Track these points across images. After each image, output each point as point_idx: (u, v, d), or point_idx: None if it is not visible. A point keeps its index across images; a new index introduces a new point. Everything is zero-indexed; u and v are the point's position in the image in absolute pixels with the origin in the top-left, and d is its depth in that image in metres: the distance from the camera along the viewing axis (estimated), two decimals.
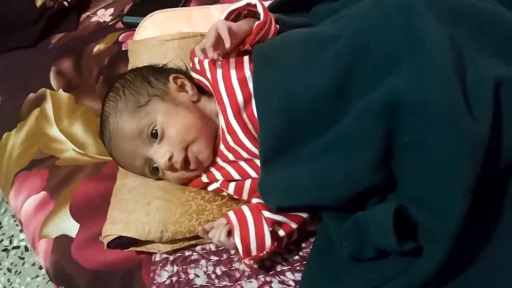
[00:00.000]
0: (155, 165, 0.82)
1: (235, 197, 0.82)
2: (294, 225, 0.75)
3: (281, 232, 0.75)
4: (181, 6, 1.20)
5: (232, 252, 0.81)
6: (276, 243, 0.74)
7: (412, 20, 0.69)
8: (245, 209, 0.75)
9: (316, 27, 0.84)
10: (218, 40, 0.75)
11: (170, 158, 0.79)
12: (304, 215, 0.75)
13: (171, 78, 0.87)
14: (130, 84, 0.85)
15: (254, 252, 0.74)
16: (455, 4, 0.74)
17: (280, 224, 0.75)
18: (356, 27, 0.74)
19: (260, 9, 0.80)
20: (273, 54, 0.77)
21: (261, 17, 0.79)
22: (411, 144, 0.65)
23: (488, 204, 0.67)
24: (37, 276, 1.44)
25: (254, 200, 0.77)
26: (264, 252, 0.74)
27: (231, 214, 0.75)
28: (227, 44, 0.75)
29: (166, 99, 0.83)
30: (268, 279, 0.78)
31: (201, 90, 0.87)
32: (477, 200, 0.62)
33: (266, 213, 0.74)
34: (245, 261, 0.74)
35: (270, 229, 0.73)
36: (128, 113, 0.81)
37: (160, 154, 0.80)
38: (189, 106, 0.84)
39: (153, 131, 0.80)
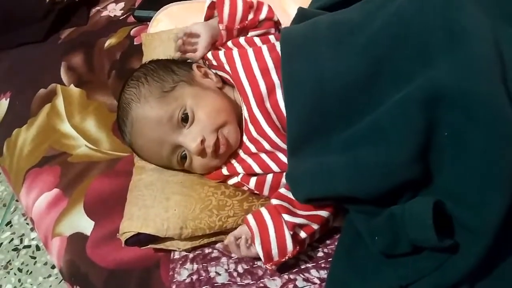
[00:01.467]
0: (184, 152, 0.79)
1: (255, 192, 0.80)
2: (315, 226, 0.74)
3: (303, 234, 0.73)
4: None
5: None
6: (298, 246, 0.73)
7: (451, 9, 0.67)
8: (265, 212, 0.73)
9: (341, 13, 0.81)
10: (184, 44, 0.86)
11: (202, 142, 0.76)
12: (325, 214, 0.73)
13: (194, 66, 0.85)
14: (153, 72, 0.83)
15: (276, 257, 0.72)
16: None
17: (301, 226, 0.73)
18: (391, 14, 0.71)
19: None
20: (301, 40, 0.76)
21: None
22: (451, 138, 0.63)
23: None
24: (49, 276, 1.42)
25: (274, 202, 0.74)
26: (287, 257, 0.72)
27: (251, 219, 0.73)
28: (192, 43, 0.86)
29: (193, 84, 0.82)
30: (292, 276, 0.75)
31: (223, 81, 0.86)
32: None
33: (286, 217, 0.72)
34: (267, 266, 0.72)
35: (291, 232, 0.72)
36: (154, 98, 0.78)
37: (191, 137, 0.77)
38: (216, 90, 0.83)
39: (183, 115, 0.77)
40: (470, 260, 0.61)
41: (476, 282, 0.64)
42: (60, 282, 1.39)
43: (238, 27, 0.87)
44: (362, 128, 0.68)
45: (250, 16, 0.88)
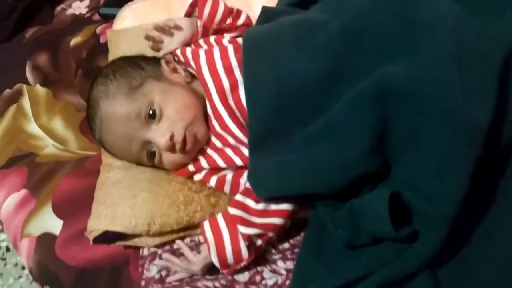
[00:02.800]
0: (153, 149, 0.80)
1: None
2: (270, 234, 0.75)
3: (259, 242, 0.76)
4: None
5: None
6: (253, 253, 0.75)
7: (406, 4, 0.70)
8: (221, 222, 0.75)
9: (305, 13, 0.84)
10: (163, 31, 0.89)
11: (172, 137, 0.77)
12: (280, 221, 0.75)
13: (162, 61, 0.86)
14: (121, 68, 0.83)
15: (232, 265, 0.75)
16: None
17: (257, 236, 0.75)
18: (349, 11, 0.74)
19: None
20: (263, 40, 0.78)
21: None
22: (406, 131, 0.65)
23: (487, 184, 0.68)
24: (20, 277, 1.41)
25: (231, 211, 0.75)
26: (243, 264, 0.75)
27: (207, 229, 0.75)
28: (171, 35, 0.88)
29: (161, 80, 0.82)
30: (259, 269, 0.78)
31: (193, 75, 0.87)
32: (476, 181, 0.62)
33: (242, 228, 0.74)
34: (224, 272, 0.75)
35: (247, 243, 0.73)
36: (122, 95, 0.79)
37: (160, 133, 0.78)
38: (185, 86, 0.83)
39: (151, 111, 0.78)
40: (429, 247, 0.64)
41: (438, 268, 0.66)
42: (31, 282, 1.39)
43: (215, 27, 0.90)
44: (319, 126, 0.70)
45: (229, 21, 0.91)
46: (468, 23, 0.68)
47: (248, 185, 0.75)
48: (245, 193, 0.75)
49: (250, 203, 0.75)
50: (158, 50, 0.91)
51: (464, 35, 0.67)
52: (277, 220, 0.74)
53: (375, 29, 0.70)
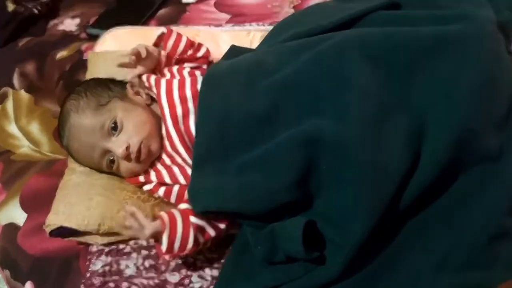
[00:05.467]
0: (112, 157, 0.90)
1: (165, 200, 0.92)
2: (213, 233, 0.84)
3: (201, 239, 0.83)
4: (141, 25, 1.30)
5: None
6: (195, 247, 0.83)
7: (341, 66, 0.81)
8: (176, 213, 0.83)
9: (263, 54, 0.93)
10: (137, 55, 0.96)
11: (128, 148, 0.88)
12: (222, 226, 0.84)
13: (128, 85, 0.97)
14: (92, 88, 0.94)
15: (176, 250, 0.81)
16: (388, 44, 0.83)
17: (202, 230, 0.83)
18: (294, 66, 0.84)
19: (164, 30, 1.02)
20: (220, 76, 0.89)
21: (165, 31, 1.01)
22: (328, 172, 0.76)
23: (396, 222, 0.78)
24: None
25: (183, 206, 0.84)
26: (184, 253, 0.83)
27: (164, 215, 0.82)
28: (143, 55, 0.96)
29: (125, 100, 0.94)
30: (189, 273, 0.88)
31: (153, 98, 0.98)
32: (387, 217, 0.74)
33: (193, 219, 0.82)
34: (166, 257, 0.83)
35: (194, 233, 0.81)
36: (90, 110, 0.90)
37: (118, 144, 0.88)
38: (145, 107, 0.95)
39: (113, 125, 0.89)
40: (334, 269, 0.75)
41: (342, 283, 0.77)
42: None
43: (177, 57, 1.01)
44: (254, 156, 0.80)
45: (190, 52, 1.02)
46: (383, 88, 0.80)
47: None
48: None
49: None
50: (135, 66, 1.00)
51: (380, 97, 0.79)
52: (220, 225, 0.84)
53: (310, 86, 0.81)
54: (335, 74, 0.81)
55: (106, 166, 0.92)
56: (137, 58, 0.97)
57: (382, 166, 0.74)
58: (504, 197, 0.78)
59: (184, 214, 0.83)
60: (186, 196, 0.87)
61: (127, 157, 0.89)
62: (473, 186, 0.78)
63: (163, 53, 1.01)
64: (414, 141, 0.78)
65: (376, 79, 0.80)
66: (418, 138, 0.78)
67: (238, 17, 1.29)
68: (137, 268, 0.89)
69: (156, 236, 0.81)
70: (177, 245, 0.81)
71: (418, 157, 0.77)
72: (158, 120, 0.93)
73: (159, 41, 1.03)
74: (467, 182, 0.79)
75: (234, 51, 1.01)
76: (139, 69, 0.99)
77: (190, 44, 1.03)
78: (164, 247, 0.81)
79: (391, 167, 0.75)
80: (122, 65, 0.98)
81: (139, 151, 0.89)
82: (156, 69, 1.01)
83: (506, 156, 0.79)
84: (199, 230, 0.83)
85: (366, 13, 0.91)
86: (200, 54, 1.04)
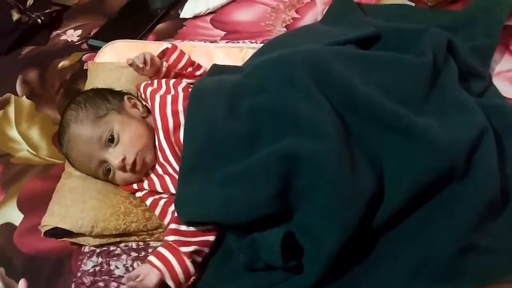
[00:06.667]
0: (108, 167, 0.94)
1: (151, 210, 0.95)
2: (206, 250, 0.86)
3: (198, 259, 0.86)
4: (139, 39, 1.35)
5: (150, 250, 0.95)
6: (198, 269, 0.86)
7: (310, 94, 0.87)
8: (165, 251, 0.84)
9: (246, 76, 0.98)
10: (144, 61, 1.03)
11: (123, 160, 0.92)
12: (212, 238, 0.86)
13: (125, 97, 1.02)
14: (91, 99, 0.99)
15: (183, 282, 0.84)
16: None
17: (196, 253, 0.85)
18: (272, 94, 0.89)
19: (168, 45, 1.09)
20: (206, 92, 0.94)
21: (169, 46, 1.08)
22: (307, 186, 0.81)
23: (370, 234, 0.83)
24: None
25: (169, 238, 0.84)
26: (192, 279, 0.86)
27: (155, 260, 0.82)
28: (148, 65, 1.03)
29: (122, 113, 0.98)
30: None
31: (149, 110, 1.02)
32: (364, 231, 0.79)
33: (183, 249, 0.84)
34: None
35: (190, 260, 0.83)
36: (89, 121, 0.94)
37: (114, 155, 0.93)
38: (140, 119, 0.99)
39: (110, 137, 0.93)
40: (311, 278, 0.79)
41: None
42: None
43: (177, 71, 1.08)
44: (237, 169, 0.84)
45: (189, 70, 1.09)
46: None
47: (175, 214, 0.86)
48: (176, 221, 0.86)
49: (183, 227, 0.85)
50: (139, 70, 1.06)
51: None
52: (209, 237, 0.86)
53: (288, 110, 0.86)
54: (311, 97, 0.87)
55: (103, 175, 0.97)
56: (145, 63, 1.03)
57: (355, 182, 0.79)
58: (471, 213, 0.82)
59: (172, 248, 0.84)
60: (169, 213, 0.91)
61: (123, 168, 0.93)
62: (443, 203, 0.83)
63: (165, 64, 1.08)
64: (377, 168, 0.83)
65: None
66: (380, 169, 0.84)
67: (232, 34, 1.34)
68: (126, 268, 0.93)
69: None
70: (182, 279, 0.83)
71: (386, 182, 0.83)
72: (153, 132, 0.97)
73: (163, 55, 1.09)
74: (437, 201, 0.83)
75: (217, 69, 1.06)
76: (146, 71, 1.05)
77: (191, 63, 1.10)
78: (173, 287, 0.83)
79: (363, 184, 0.80)
80: (130, 65, 1.04)
81: (134, 162, 0.93)
82: (155, 77, 1.07)
83: (473, 174, 0.84)
84: (193, 254, 0.85)
85: (348, 42, 0.98)
86: (198, 73, 1.10)
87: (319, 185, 0.79)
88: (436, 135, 0.83)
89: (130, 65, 1.04)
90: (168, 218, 0.91)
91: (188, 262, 0.83)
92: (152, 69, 1.06)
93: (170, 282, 0.82)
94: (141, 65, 1.03)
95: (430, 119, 0.86)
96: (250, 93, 0.92)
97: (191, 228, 0.85)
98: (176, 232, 0.86)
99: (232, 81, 0.96)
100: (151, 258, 0.83)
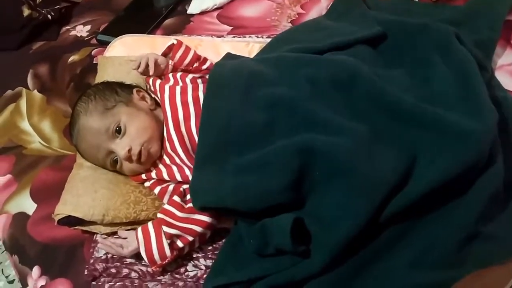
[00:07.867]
0: (116, 157, 0.97)
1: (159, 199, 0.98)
2: (190, 238, 0.90)
3: (180, 243, 0.90)
4: (147, 33, 1.37)
5: None
6: (176, 252, 0.90)
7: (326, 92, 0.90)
8: (150, 226, 0.90)
9: (263, 63, 1.00)
10: (146, 66, 1.05)
11: (129, 150, 0.95)
12: (199, 229, 0.89)
13: (134, 90, 1.05)
14: (100, 92, 1.02)
15: (158, 261, 0.90)
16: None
17: (177, 236, 0.89)
18: (288, 83, 0.92)
19: (174, 41, 1.11)
20: (223, 82, 0.95)
21: (175, 42, 1.10)
22: (321, 177, 0.82)
23: (380, 225, 0.84)
24: None
25: (159, 215, 0.91)
26: (167, 261, 0.90)
27: (139, 231, 0.90)
28: (151, 72, 1.06)
29: (130, 105, 1.01)
30: (185, 262, 0.95)
31: (157, 103, 1.06)
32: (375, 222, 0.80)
33: (165, 228, 0.89)
34: (153, 268, 0.90)
35: (169, 241, 0.88)
36: (98, 113, 0.97)
37: (121, 146, 0.96)
38: (148, 112, 1.02)
39: (117, 128, 0.96)
40: (317, 264, 0.81)
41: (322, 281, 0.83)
42: (2, 252, 1.53)
43: (183, 68, 1.10)
44: (252, 159, 0.85)
45: (195, 65, 1.11)
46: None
47: (176, 198, 0.92)
48: (172, 203, 0.91)
49: (175, 211, 0.90)
50: (144, 74, 1.09)
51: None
52: (196, 228, 0.89)
53: (305, 105, 0.88)
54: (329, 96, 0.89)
55: (110, 165, 1.00)
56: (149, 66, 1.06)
57: (372, 175, 0.80)
58: (479, 202, 0.83)
59: (156, 224, 0.89)
60: (172, 196, 0.94)
61: (129, 159, 0.96)
62: (452, 196, 0.84)
63: (170, 62, 1.09)
64: (407, 163, 0.84)
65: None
66: (412, 161, 0.84)
67: (239, 29, 1.37)
68: (137, 256, 0.95)
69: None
70: (156, 256, 0.89)
71: (410, 175, 0.83)
72: (160, 124, 1.00)
73: (168, 51, 1.11)
74: (448, 194, 0.84)
75: (230, 58, 1.07)
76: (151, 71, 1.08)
77: (197, 57, 1.11)
78: (145, 260, 0.90)
79: (382, 178, 0.81)
80: (133, 69, 1.07)
81: (140, 153, 0.96)
82: (162, 75, 1.10)
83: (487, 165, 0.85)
84: (174, 236, 0.89)
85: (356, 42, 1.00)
86: (204, 67, 1.12)
87: (335, 177, 0.81)
88: (465, 127, 0.83)
89: (134, 69, 1.07)
90: (166, 199, 0.96)
91: (165, 243, 0.88)
92: (157, 72, 1.08)
93: (143, 255, 0.89)
94: (143, 71, 1.06)
95: (456, 113, 0.86)
96: (267, 83, 0.93)
97: (182, 214, 0.90)
98: (167, 212, 0.90)
99: (252, 71, 0.96)
100: (138, 230, 0.90)
